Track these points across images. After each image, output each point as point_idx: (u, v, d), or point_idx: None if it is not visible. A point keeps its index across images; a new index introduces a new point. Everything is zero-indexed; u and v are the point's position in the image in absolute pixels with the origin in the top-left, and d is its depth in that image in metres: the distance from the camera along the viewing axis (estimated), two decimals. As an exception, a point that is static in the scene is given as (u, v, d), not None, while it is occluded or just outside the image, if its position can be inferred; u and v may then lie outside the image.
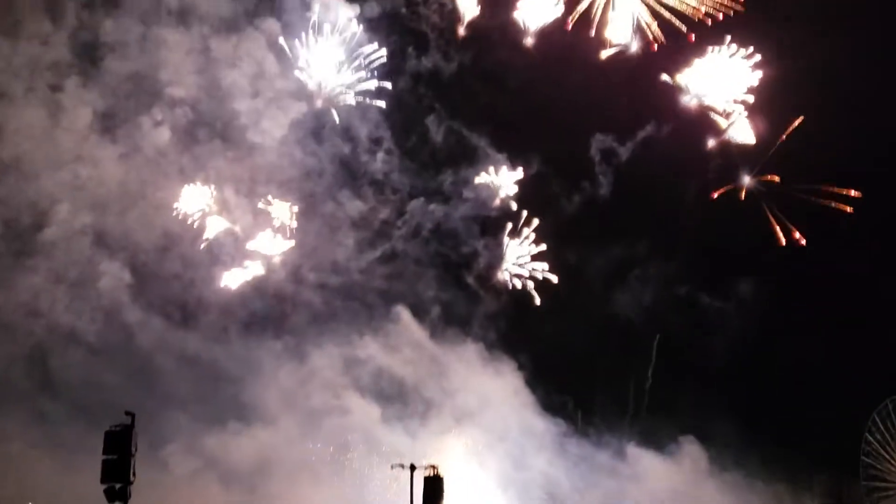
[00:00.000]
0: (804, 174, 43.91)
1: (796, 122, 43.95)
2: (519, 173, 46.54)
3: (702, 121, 45.92)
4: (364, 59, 46.12)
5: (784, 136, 44.75)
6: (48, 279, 43.48)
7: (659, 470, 46.30)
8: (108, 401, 40.04)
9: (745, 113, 45.31)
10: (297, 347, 45.76)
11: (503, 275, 47.18)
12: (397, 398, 46.56)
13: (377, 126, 46.58)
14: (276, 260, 45.45)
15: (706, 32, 44.42)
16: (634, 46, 45.04)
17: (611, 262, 46.80)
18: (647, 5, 44.68)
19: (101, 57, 44.71)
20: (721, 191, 46.02)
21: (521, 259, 46.61)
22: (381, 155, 46.83)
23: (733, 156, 45.98)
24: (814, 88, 42.45)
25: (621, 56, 45.19)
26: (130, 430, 21.45)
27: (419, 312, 47.55)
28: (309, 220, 46.14)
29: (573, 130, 45.54)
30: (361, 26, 45.81)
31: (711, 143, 45.95)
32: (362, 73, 46.02)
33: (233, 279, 45.05)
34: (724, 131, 45.80)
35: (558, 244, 46.41)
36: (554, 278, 46.16)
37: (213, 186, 45.06)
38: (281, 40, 45.45)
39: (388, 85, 46.07)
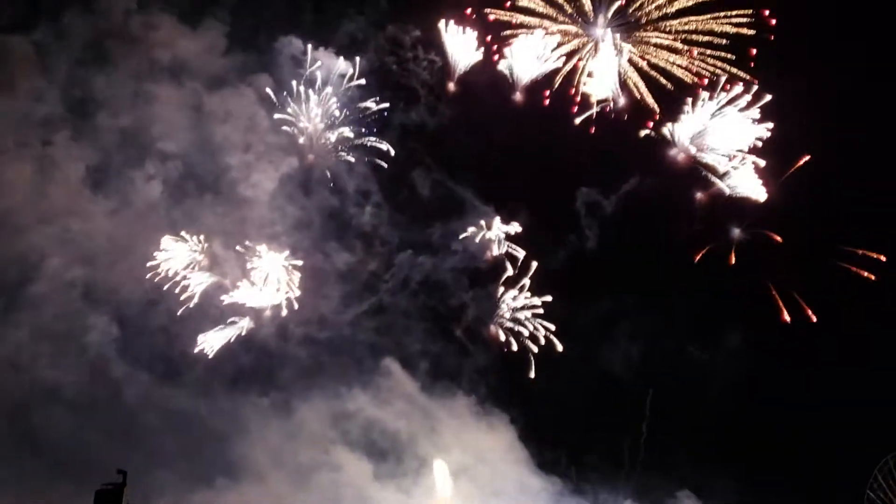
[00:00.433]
0: (810, 230, 42.01)
1: (801, 161, 42.16)
2: (514, 226, 46.44)
3: (692, 173, 45.90)
4: (356, 114, 46.77)
5: (786, 176, 43.14)
6: (34, 334, 43.22)
7: (657, 526, 45.39)
8: (93, 458, 40.17)
9: (740, 164, 44.74)
10: (284, 403, 45.33)
11: (495, 328, 46.70)
12: (390, 453, 45.88)
13: (365, 179, 47.04)
14: (266, 314, 45.08)
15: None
16: (621, 101, 45.60)
17: (600, 315, 46.47)
18: (635, 66, 45.30)
19: (94, 112, 45.33)
20: (702, 252, 44.62)
21: (518, 313, 46.18)
22: (369, 208, 47.09)
23: (723, 209, 45.49)
24: (823, 136, 41.23)
25: (606, 111, 45.73)
26: (122, 490, 21.00)
27: (409, 365, 47.15)
28: (300, 274, 45.90)
29: (559, 183, 45.80)
30: (353, 83, 46.42)
31: (699, 195, 45.93)
32: (354, 129, 46.60)
33: (213, 341, 44.63)
34: (712, 184, 45.73)
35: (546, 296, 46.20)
36: (559, 345, 45.79)
37: (202, 238, 44.94)
38: (271, 93, 46.15)
39: (384, 146, 46.56)
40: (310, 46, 46.08)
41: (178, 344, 44.45)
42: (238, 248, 45.18)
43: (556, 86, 45.56)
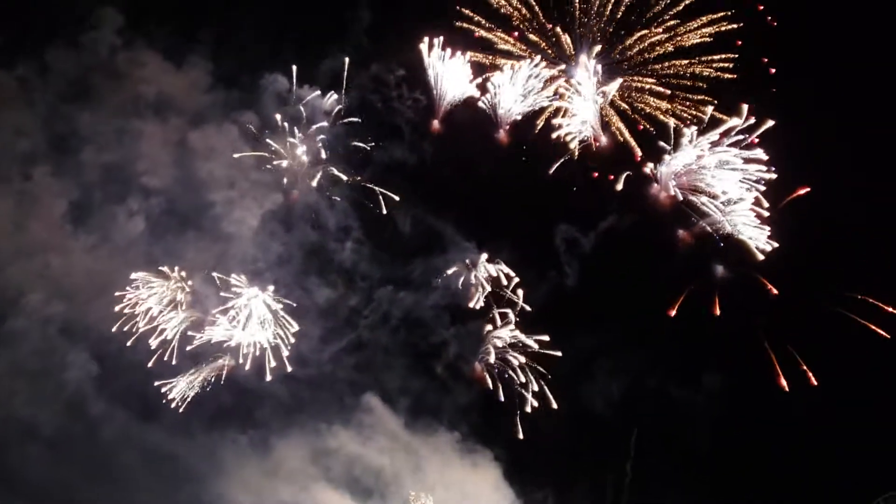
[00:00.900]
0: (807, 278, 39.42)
1: (798, 192, 40.16)
2: (499, 265, 46.39)
3: (676, 211, 45.93)
4: (339, 151, 46.98)
5: (782, 206, 40.82)
6: (11, 370, 42.97)
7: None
8: (69, 497, 39.91)
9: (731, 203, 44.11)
10: (263, 441, 45.03)
11: (480, 367, 46.50)
12: (373, 491, 45.50)
13: (346, 215, 47.07)
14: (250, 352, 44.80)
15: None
16: (603, 141, 45.87)
17: (581, 352, 46.14)
18: (616, 109, 45.63)
19: (76, 147, 45.29)
20: (678, 302, 42.89)
21: (506, 353, 45.95)
22: (349, 244, 47.10)
23: (706, 247, 44.99)
24: (824, 168, 39.28)
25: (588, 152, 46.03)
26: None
27: (390, 402, 46.93)
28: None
29: (539, 220, 45.95)
30: (337, 121, 46.77)
31: (682, 233, 46.00)
32: (337, 166, 46.69)
33: (183, 390, 44.35)
34: (695, 223, 45.74)
35: (529, 332, 45.86)
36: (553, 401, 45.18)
37: (184, 274, 44.77)
38: (255, 130, 46.29)
39: (367, 183, 46.66)
40: (294, 84, 46.39)
41: (155, 382, 44.02)
42: (218, 282, 44.92)
43: (538, 128, 46.02)
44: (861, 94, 43.51)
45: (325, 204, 46.85)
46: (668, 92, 45.09)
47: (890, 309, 38.05)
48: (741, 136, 43.15)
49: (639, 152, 45.35)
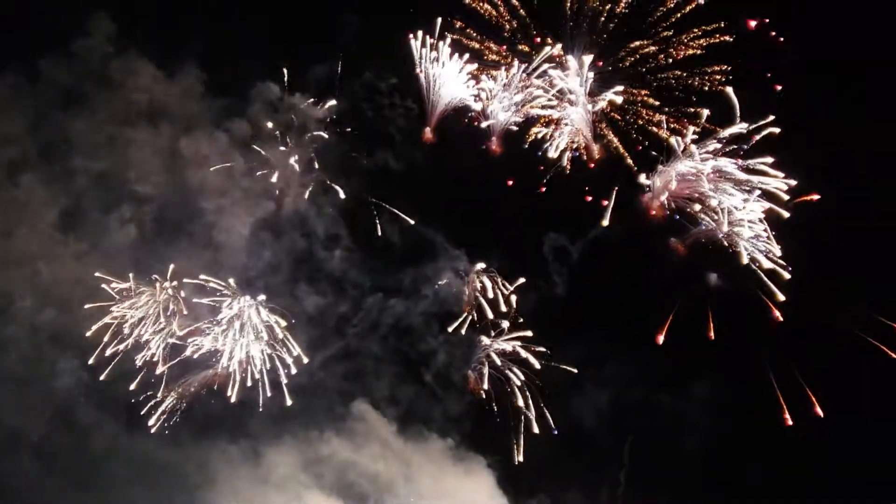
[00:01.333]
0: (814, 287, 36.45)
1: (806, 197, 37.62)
2: (494, 274, 46.40)
3: (669, 221, 45.75)
4: (331, 159, 46.97)
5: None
6: (-1, 378, 42.84)
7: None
8: None
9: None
10: (253, 449, 45.07)
11: (473, 376, 46.36)
12: (369, 498, 45.43)
13: (336, 223, 47.06)
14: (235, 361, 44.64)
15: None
16: (595, 151, 45.84)
17: (571, 361, 45.91)
18: (608, 119, 45.61)
19: (67, 155, 45.42)
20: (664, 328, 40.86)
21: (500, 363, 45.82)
22: (339, 252, 47.14)
23: (700, 259, 44.21)
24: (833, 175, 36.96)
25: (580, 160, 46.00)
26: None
27: (381, 409, 47.00)
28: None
29: (529, 229, 45.99)
30: (329, 129, 46.83)
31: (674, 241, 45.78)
32: (328, 173, 46.76)
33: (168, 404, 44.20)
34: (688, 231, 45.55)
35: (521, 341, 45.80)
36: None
37: (174, 284, 44.69)
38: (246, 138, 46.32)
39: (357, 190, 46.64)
40: (286, 92, 46.45)
41: (145, 390, 43.83)
42: (209, 290, 44.92)
43: (529, 138, 45.88)
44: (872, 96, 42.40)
45: (315, 212, 46.91)
46: (660, 103, 45.09)
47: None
48: (737, 146, 42.91)
49: (631, 162, 45.39)
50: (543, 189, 44.97)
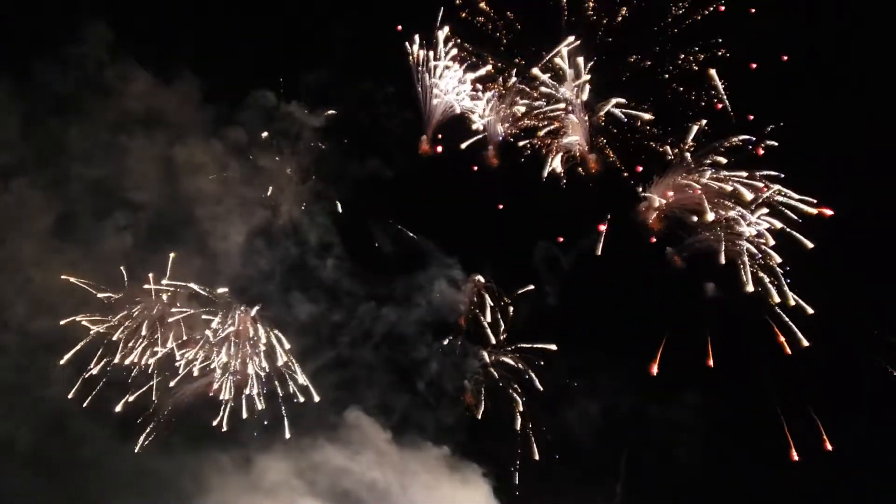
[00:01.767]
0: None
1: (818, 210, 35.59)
2: (490, 283, 46.56)
3: (666, 233, 45.61)
4: (327, 167, 47.10)
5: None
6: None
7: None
8: None
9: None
10: (245, 458, 44.87)
11: (469, 385, 46.25)
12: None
13: (330, 232, 47.09)
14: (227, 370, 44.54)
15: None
16: (592, 161, 45.73)
17: (563, 372, 46.12)
18: (606, 129, 45.54)
19: (62, 161, 45.29)
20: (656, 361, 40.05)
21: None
22: (332, 260, 47.06)
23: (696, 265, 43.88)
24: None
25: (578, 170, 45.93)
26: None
27: (376, 418, 46.89)
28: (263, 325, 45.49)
29: (522, 237, 45.95)
30: (324, 137, 47.01)
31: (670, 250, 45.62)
32: (323, 182, 46.97)
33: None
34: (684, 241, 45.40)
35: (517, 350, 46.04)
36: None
37: (169, 293, 44.63)
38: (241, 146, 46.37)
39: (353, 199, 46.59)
40: (281, 100, 46.49)
41: (139, 400, 43.75)
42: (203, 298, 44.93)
43: (526, 149, 45.82)
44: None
45: (309, 220, 46.92)
46: (657, 116, 45.00)
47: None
48: (737, 157, 42.66)
49: (627, 174, 45.29)
50: (538, 199, 44.98)
